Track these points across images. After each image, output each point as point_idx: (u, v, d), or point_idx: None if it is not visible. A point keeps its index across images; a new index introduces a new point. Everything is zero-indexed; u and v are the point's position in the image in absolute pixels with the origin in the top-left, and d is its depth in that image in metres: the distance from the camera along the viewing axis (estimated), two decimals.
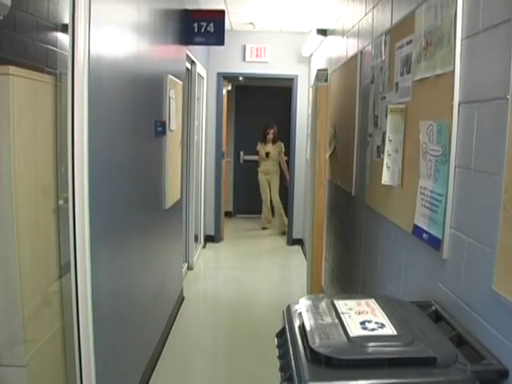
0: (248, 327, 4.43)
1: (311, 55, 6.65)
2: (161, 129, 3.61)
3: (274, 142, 8.15)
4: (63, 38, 2.30)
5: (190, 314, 4.68)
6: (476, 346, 1.56)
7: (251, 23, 6.43)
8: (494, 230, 1.47)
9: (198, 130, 6.42)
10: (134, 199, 3.00)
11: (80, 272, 2.09)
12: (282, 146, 8.08)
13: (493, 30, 1.53)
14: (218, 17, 4.68)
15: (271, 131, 8.12)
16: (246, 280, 5.76)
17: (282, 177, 8.21)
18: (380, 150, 2.76)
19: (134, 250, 3.00)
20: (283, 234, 7.82)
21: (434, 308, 1.89)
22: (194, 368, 3.70)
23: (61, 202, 2.04)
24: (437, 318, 1.84)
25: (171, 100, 3.88)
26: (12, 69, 1.66)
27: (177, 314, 4.55)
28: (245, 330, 4.38)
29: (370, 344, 1.45)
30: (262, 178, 8.26)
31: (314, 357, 1.44)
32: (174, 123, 4.08)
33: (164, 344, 3.92)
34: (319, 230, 3.75)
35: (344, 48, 4.15)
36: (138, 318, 3.15)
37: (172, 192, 4.05)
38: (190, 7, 4.76)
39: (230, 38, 5.93)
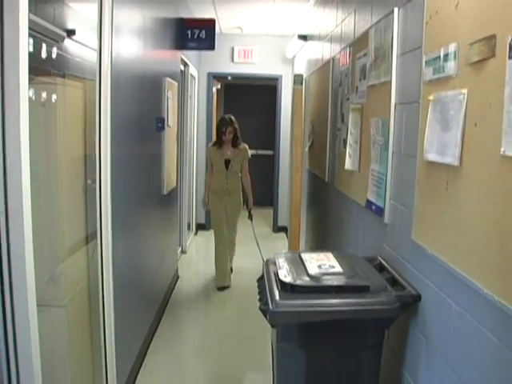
0: (234, 299, 5.11)
1: (294, 57, 7.21)
2: (161, 125, 4.16)
3: (234, 144, 5.21)
4: (67, 43, 2.65)
5: (184, 288, 5.29)
6: (402, 283, 2.14)
7: (239, 27, 6.99)
8: (412, 197, 2.05)
9: (191, 125, 6.96)
10: (141, 183, 3.57)
11: (104, 239, 2.64)
12: (248, 150, 5.29)
13: (413, 52, 2.12)
14: (209, 25, 5.25)
15: (229, 129, 5.13)
16: (233, 262, 6.31)
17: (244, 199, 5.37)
18: (345, 142, 3.34)
19: (140, 226, 3.57)
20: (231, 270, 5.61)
21: (378, 261, 2.47)
22: (188, 331, 4.36)
23: (89, 181, 2.59)
24: (381, 268, 2.42)
25: (169, 99, 4.43)
26: (58, 80, 2.20)
27: (173, 288, 5.14)
28: (231, 301, 5.07)
29: (323, 277, 2.04)
30: (215, 202, 5.26)
31: (283, 287, 2.02)
32: (171, 120, 4.64)
33: (163, 311, 4.50)
34: (296, 209, 4.35)
35: (320, 53, 4.72)
36: (144, 284, 3.72)
37: (169, 179, 4.61)
38: (185, 15, 5.31)
39: (220, 40, 6.38)
